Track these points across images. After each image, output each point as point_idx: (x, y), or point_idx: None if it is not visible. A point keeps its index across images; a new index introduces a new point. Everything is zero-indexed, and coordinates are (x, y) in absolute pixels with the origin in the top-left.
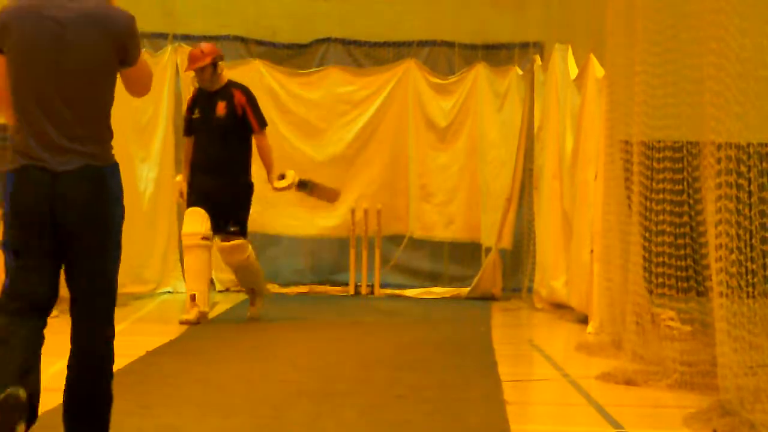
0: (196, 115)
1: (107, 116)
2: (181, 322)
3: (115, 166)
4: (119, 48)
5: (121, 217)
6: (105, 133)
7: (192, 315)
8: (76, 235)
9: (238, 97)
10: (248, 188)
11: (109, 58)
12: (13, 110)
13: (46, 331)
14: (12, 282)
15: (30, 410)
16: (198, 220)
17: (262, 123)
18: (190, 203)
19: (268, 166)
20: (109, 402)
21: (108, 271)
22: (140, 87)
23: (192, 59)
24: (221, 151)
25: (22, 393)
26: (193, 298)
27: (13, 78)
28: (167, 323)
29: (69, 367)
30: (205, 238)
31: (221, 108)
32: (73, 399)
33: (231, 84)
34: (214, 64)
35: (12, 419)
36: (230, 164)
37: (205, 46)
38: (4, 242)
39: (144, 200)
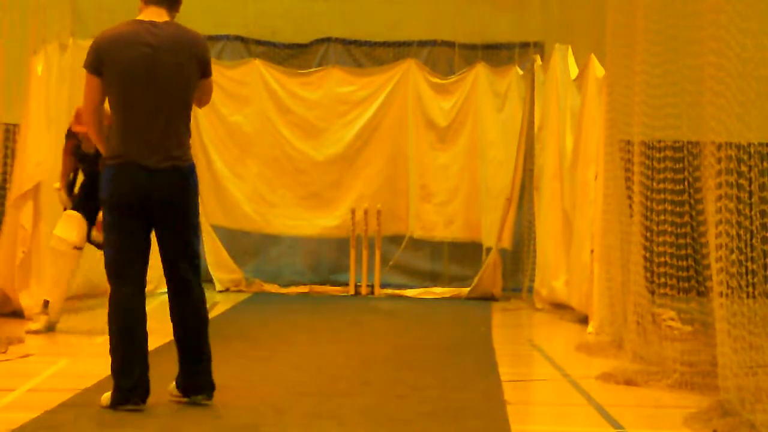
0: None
1: (189, 123)
2: (27, 332)
3: (193, 165)
4: (201, 64)
5: (198, 203)
6: (187, 137)
7: (40, 324)
8: (164, 218)
9: None
10: None
11: (194, 74)
12: (113, 120)
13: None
14: (113, 259)
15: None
16: (74, 227)
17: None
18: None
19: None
20: (207, 324)
21: (191, 242)
22: (208, 97)
23: None
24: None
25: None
26: (45, 304)
27: (114, 94)
28: (166, 323)
29: (174, 311)
30: (77, 247)
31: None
32: (185, 331)
33: None
34: None
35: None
36: None
37: None
38: (104, 224)
39: None
